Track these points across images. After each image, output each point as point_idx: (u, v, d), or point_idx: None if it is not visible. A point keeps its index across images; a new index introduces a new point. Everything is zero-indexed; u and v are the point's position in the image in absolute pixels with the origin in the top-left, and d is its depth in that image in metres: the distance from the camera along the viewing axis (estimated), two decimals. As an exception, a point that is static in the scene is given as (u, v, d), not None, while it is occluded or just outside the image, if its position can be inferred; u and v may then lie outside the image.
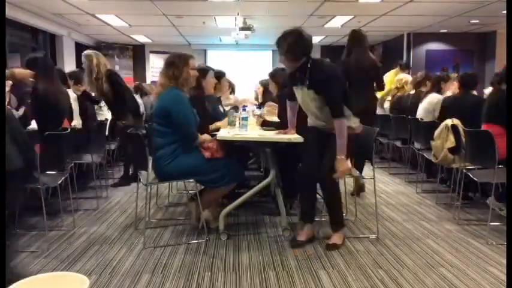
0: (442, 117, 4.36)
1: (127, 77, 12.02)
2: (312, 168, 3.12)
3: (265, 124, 3.75)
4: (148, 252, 3.05)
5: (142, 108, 6.74)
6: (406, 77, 6.37)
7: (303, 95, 3.08)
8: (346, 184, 4.25)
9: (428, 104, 4.89)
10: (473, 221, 3.71)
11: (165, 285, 2.56)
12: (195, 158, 3.20)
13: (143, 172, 3.31)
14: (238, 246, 3.11)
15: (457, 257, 2.96)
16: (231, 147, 3.41)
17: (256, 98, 6.93)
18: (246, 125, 3.51)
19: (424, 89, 5.36)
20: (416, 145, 4.93)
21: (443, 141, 3.86)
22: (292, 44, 2.93)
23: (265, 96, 5.32)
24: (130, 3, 7.84)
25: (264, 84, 5.51)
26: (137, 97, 6.70)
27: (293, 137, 3.23)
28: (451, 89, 5.35)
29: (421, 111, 5.00)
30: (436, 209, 4.14)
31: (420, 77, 5.64)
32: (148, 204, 4.01)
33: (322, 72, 2.99)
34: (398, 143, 5.68)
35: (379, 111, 6.12)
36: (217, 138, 3.25)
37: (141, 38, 12.35)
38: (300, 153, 3.33)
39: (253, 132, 3.54)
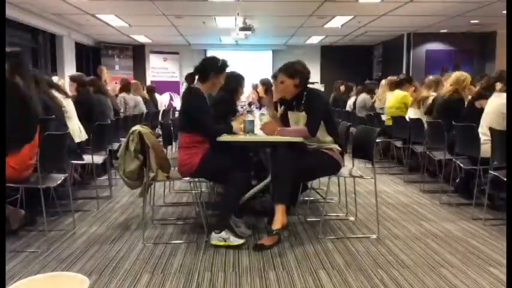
0: None
1: (127, 77, 12.04)
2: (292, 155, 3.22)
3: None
4: (149, 252, 3.05)
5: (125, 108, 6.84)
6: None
7: (298, 117, 3.36)
8: (346, 185, 4.25)
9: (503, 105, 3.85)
10: (473, 220, 3.71)
11: (165, 285, 2.56)
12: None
13: None
14: (238, 246, 3.11)
15: (457, 257, 2.96)
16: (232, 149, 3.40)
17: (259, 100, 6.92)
18: (252, 130, 3.44)
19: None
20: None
21: None
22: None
23: (267, 96, 5.31)
24: (131, 3, 7.85)
25: (266, 84, 5.49)
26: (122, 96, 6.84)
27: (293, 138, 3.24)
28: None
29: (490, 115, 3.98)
30: (436, 209, 4.13)
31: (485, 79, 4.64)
32: (148, 204, 4.01)
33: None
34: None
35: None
36: (220, 140, 3.25)
37: (141, 38, 12.35)
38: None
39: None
